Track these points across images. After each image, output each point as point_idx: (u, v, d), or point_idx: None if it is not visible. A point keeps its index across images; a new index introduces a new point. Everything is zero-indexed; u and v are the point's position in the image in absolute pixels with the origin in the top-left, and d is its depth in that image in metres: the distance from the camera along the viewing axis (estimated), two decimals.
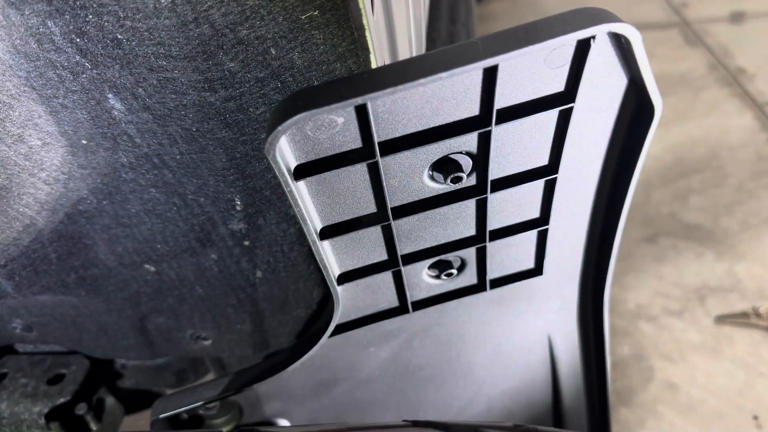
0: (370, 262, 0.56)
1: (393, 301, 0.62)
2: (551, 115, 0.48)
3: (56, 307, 0.70)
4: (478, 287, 0.63)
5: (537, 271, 0.64)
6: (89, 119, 0.48)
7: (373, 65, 0.45)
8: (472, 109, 0.44)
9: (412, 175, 0.48)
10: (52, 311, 0.71)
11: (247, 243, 0.60)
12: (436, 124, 0.45)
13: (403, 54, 0.69)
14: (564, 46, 0.42)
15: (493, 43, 0.39)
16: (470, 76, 0.42)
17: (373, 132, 0.42)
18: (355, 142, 0.44)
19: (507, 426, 0.60)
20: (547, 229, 0.58)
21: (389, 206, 0.49)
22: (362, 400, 0.75)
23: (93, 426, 0.79)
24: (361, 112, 0.42)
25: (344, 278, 0.55)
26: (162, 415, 0.67)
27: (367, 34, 0.43)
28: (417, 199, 0.51)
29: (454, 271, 0.60)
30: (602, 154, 0.53)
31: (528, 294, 0.67)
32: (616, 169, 0.55)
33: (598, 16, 0.40)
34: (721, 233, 1.72)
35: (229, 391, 0.66)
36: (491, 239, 0.57)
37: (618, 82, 0.47)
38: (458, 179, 0.48)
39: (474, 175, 0.50)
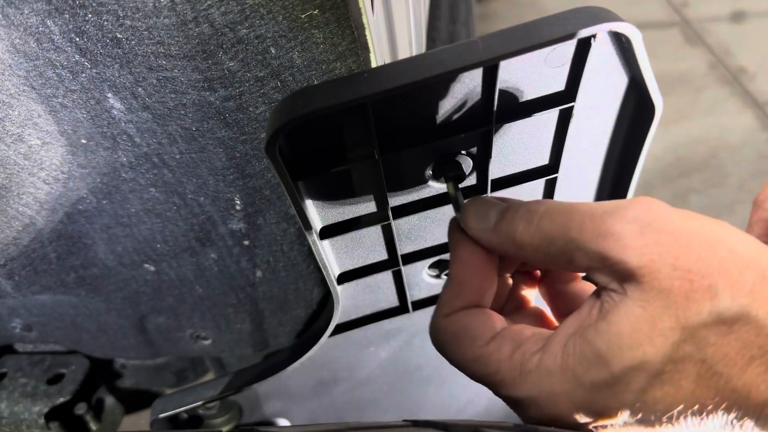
0: (370, 262, 0.56)
1: (393, 301, 0.62)
2: (552, 115, 0.47)
3: (56, 306, 0.70)
4: None
5: None
6: (89, 118, 0.48)
7: (373, 64, 0.45)
8: (472, 108, 0.44)
9: (411, 174, 0.48)
10: (51, 311, 0.70)
11: (246, 242, 0.60)
12: (436, 123, 0.45)
13: (403, 53, 0.69)
14: (564, 45, 0.42)
15: (494, 42, 0.39)
16: (470, 75, 0.42)
17: (373, 131, 0.42)
18: (354, 141, 0.44)
19: (507, 426, 0.60)
20: None
21: (389, 206, 0.49)
22: (362, 400, 0.75)
23: (93, 425, 0.79)
24: (361, 112, 0.41)
25: (344, 278, 0.55)
26: (161, 415, 0.67)
27: (367, 33, 0.42)
28: (417, 198, 0.51)
29: None
30: (603, 154, 0.53)
31: None
32: (617, 168, 0.54)
33: (599, 15, 0.39)
34: None
35: (229, 391, 0.66)
36: None
37: (618, 82, 0.46)
38: (459, 178, 0.48)
39: (474, 175, 0.50)
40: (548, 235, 0.33)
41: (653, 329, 0.28)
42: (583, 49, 0.42)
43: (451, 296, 0.38)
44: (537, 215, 0.34)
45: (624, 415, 0.30)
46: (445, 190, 0.51)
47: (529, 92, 0.45)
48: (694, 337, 0.27)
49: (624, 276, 0.30)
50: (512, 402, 0.35)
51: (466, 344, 0.35)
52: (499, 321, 0.37)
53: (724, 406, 0.27)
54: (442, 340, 0.37)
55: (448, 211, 0.53)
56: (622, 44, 0.43)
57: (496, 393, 0.35)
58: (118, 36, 0.41)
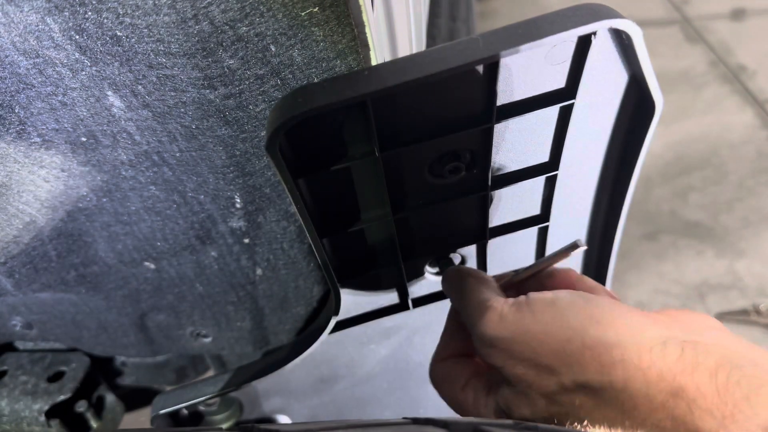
0: (371, 259, 0.56)
1: (393, 298, 0.62)
2: (552, 112, 0.47)
3: (56, 304, 0.70)
4: None
5: None
6: (89, 116, 0.48)
7: (373, 62, 0.45)
8: (473, 105, 0.44)
9: (412, 171, 0.48)
10: (52, 309, 0.71)
11: (246, 240, 0.60)
12: (437, 121, 0.45)
13: (403, 51, 0.69)
14: (565, 42, 0.42)
15: (494, 39, 0.39)
16: (471, 72, 0.42)
17: (373, 129, 0.42)
18: (355, 138, 0.44)
19: (507, 423, 0.60)
20: (547, 227, 0.58)
21: (389, 203, 0.49)
22: (362, 397, 0.75)
23: (93, 423, 0.79)
24: (361, 109, 0.41)
25: (344, 275, 0.55)
26: (162, 411, 0.67)
27: (367, 30, 0.42)
28: (417, 195, 0.51)
29: None
30: (603, 151, 0.53)
31: None
32: (617, 166, 0.54)
33: (599, 12, 0.39)
34: (722, 230, 1.72)
35: (230, 388, 0.66)
36: (492, 236, 0.57)
37: (619, 79, 0.46)
38: (458, 173, 0.48)
39: (474, 172, 0.50)
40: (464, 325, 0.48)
41: (527, 398, 0.42)
42: (583, 46, 0.42)
43: (442, 347, 0.53)
44: (458, 308, 0.50)
45: None
46: (446, 187, 0.51)
47: (529, 89, 0.45)
48: (554, 400, 0.40)
49: (500, 369, 0.44)
50: None
51: (448, 386, 0.50)
52: (471, 370, 0.49)
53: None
54: (435, 379, 0.52)
55: (447, 208, 0.53)
56: (623, 41, 0.43)
57: None
58: (118, 34, 0.41)
